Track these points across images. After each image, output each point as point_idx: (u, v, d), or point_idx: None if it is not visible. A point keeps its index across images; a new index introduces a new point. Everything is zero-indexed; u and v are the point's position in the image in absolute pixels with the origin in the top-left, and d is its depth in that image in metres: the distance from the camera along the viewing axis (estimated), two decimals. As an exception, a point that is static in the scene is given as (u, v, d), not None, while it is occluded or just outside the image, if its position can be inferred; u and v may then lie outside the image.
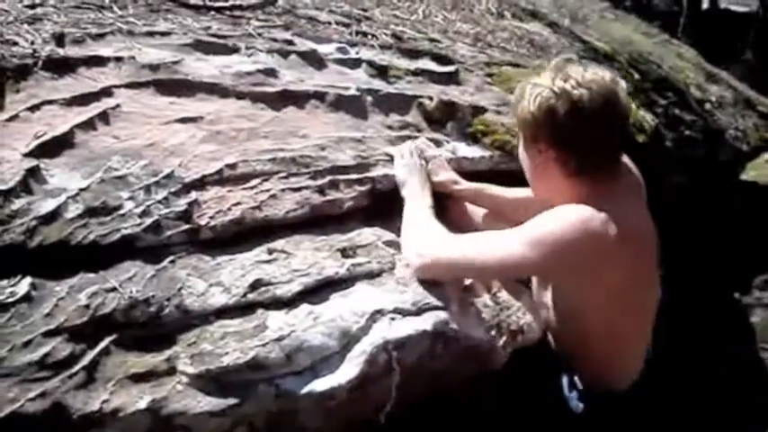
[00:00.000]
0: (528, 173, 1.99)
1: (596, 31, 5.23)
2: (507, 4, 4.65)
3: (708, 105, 6.14)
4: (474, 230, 2.15)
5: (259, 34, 2.72)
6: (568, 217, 1.78)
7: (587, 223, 1.76)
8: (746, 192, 5.76)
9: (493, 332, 2.00)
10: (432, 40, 3.28)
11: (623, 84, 1.85)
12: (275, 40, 2.71)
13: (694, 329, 3.85)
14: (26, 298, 1.57)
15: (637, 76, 4.81)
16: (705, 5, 16.86)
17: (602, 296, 1.87)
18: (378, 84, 2.61)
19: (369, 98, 2.50)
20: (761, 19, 15.96)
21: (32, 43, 2.20)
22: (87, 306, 1.59)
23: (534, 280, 2.15)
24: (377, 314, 1.80)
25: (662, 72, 5.51)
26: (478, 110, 2.62)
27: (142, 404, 1.50)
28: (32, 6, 2.54)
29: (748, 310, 4.56)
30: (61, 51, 2.20)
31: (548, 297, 2.08)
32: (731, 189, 5.50)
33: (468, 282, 2.08)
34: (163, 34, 2.48)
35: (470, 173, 2.41)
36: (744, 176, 6.09)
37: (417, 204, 2.09)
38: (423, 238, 1.97)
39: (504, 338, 2.03)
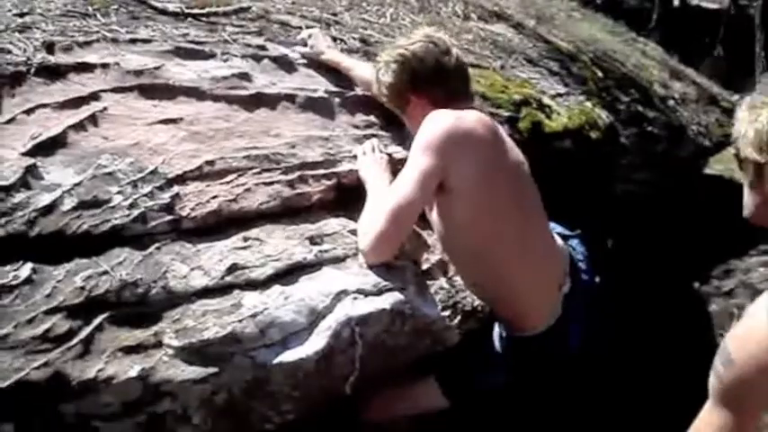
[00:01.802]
0: (413, 128, 2.35)
1: (562, 31, 5.31)
2: (474, 6, 4.77)
3: (671, 102, 6.29)
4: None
5: (234, 40, 2.86)
6: (434, 118, 2.19)
7: (451, 115, 2.19)
8: (711, 185, 5.93)
9: (448, 312, 2.21)
10: (397, 44, 3.44)
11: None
12: (249, 45, 2.85)
13: (655, 320, 4.03)
14: (28, 281, 1.72)
15: (600, 74, 4.92)
16: (676, 2, 17.01)
17: (473, 206, 2.18)
18: (344, 86, 2.79)
19: (336, 99, 2.66)
20: (731, 15, 16.14)
21: (25, 51, 2.32)
22: (83, 288, 1.75)
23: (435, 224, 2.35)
24: (341, 294, 1.98)
25: (625, 70, 5.63)
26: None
27: (133, 373, 1.67)
28: (21, 15, 2.62)
29: (707, 299, 4.72)
30: (52, 59, 2.32)
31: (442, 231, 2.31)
32: (694, 183, 5.66)
33: (426, 266, 2.28)
34: (144, 41, 2.60)
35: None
36: (709, 170, 6.26)
37: (374, 194, 2.28)
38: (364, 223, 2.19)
39: (459, 318, 2.24)
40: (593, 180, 3.71)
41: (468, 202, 2.17)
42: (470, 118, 2.21)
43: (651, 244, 4.53)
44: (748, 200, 1.62)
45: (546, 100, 3.52)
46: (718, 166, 6.43)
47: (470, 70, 3.35)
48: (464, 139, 2.15)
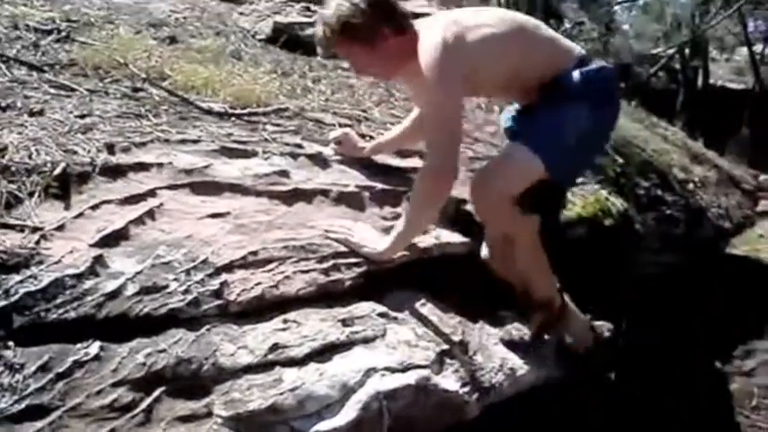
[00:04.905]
0: (385, 69, 2.77)
1: (583, 120, 5.50)
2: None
3: (690, 185, 6.46)
4: None
5: (273, 139, 3.12)
6: (427, 48, 2.54)
7: (438, 37, 2.54)
8: (734, 265, 6.03)
9: (467, 388, 2.40)
10: (423, 138, 3.67)
11: None
12: (287, 144, 3.12)
13: (675, 398, 4.14)
14: (96, 357, 1.95)
15: (620, 160, 5.11)
16: (699, 84, 17.23)
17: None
18: (374, 181, 3.05)
19: (366, 194, 2.91)
20: (756, 95, 16.36)
21: (89, 152, 2.58)
22: (144, 363, 1.98)
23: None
24: (370, 371, 2.20)
25: (645, 155, 5.78)
26: (462, 201, 3.03)
27: (187, 439, 1.90)
28: (82, 117, 2.88)
29: (729, 379, 4.81)
30: (113, 159, 2.59)
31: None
32: (714, 264, 5.77)
33: (447, 346, 2.48)
34: (194, 141, 2.88)
35: (453, 255, 2.85)
36: (735, 251, 6.37)
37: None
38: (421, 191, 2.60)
39: (477, 394, 2.44)
40: (608, 265, 3.88)
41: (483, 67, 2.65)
42: (437, 31, 2.57)
43: (671, 324, 4.63)
44: None
45: (561, 191, 3.71)
46: (744, 246, 6.51)
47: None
48: (455, 47, 2.54)
